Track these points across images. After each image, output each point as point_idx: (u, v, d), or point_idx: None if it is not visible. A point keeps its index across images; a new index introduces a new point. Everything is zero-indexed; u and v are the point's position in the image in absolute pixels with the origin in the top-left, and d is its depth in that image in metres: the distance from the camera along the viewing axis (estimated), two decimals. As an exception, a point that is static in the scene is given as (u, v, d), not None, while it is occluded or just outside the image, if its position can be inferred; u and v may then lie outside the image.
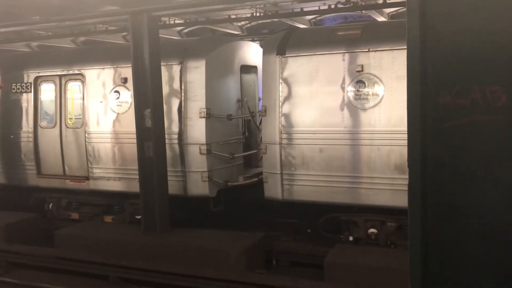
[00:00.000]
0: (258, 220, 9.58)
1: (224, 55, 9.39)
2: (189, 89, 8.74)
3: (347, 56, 7.61)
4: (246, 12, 9.36)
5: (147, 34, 8.13)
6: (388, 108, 7.34)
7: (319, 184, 7.83)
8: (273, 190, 8.17)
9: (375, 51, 7.44)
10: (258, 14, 9.36)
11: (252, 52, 10.05)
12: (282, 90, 8.00)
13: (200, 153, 8.68)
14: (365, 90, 7.49)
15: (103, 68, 9.49)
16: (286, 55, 7.99)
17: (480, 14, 3.08)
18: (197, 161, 8.72)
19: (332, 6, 8.76)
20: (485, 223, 3.15)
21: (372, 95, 7.46)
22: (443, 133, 3.19)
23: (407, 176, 3.40)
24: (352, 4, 8.52)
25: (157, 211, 8.29)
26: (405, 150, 6.81)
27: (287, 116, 7.99)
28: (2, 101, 10.61)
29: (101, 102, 9.48)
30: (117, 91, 9.33)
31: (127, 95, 9.18)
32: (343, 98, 7.61)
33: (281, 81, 8.00)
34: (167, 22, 9.92)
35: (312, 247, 8.21)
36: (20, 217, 9.86)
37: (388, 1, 8.50)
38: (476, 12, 3.08)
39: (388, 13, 9.62)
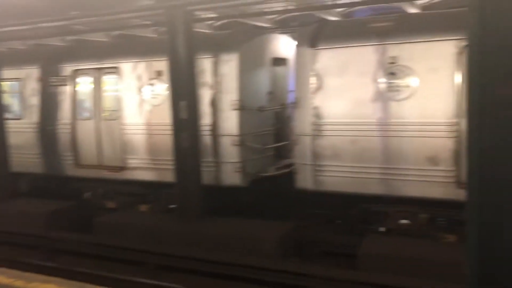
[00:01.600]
0: (290, 210, 9.71)
1: (256, 48, 9.53)
2: (222, 81, 8.93)
3: (379, 48, 7.65)
4: (278, 6, 9.46)
5: (182, 28, 8.32)
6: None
7: (351, 175, 7.92)
8: (305, 180, 8.30)
9: (408, 43, 7.46)
10: (289, 7, 9.43)
11: (282, 45, 10.16)
12: (314, 82, 8.10)
13: (233, 144, 8.87)
14: (397, 81, 7.53)
15: (138, 62, 9.74)
16: (318, 48, 8.07)
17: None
18: (230, 152, 8.92)
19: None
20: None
21: (404, 87, 7.49)
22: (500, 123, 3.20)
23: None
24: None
25: (192, 199, 8.52)
26: (437, 141, 6.96)
27: (318, 108, 8.08)
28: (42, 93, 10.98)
29: (136, 94, 9.74)
30: (151, 84, 9.58)
31: (161, 88, 9.41)
32: (375, 90, 7.66)
33: (313, 73, 8.10)
34: (200, 16, 10.09)
35: (343, 237, 8.32)
36: (59, 205, 10.24)
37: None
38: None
39: (420, 4, 9.57)
